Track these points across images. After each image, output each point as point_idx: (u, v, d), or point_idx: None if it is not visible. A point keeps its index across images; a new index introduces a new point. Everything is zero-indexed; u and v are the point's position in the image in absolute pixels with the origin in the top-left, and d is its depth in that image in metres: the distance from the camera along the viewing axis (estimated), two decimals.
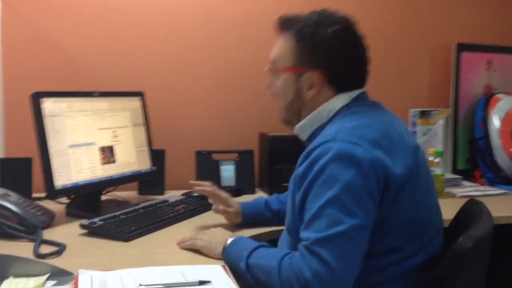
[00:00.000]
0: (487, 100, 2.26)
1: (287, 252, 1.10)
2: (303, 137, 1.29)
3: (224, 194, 1.53)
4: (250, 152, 2.09)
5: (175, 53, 2.11)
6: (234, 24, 2.16)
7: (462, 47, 2.29)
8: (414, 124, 2.30)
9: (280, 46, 1.25)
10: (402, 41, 2.33)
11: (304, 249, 1.01)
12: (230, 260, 1.18)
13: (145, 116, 1.88)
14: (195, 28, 2.12)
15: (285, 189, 1.96)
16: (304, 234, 1.04)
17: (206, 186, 1.53)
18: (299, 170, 1.11)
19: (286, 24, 1.24)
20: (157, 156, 1.92)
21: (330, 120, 1.20)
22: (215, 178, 2.01)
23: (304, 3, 2.10)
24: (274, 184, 2.00)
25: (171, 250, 1.31)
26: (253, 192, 2.06)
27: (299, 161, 1.14)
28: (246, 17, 2.17)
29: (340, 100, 1.20)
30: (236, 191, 2.00)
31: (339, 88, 1.20)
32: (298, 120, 1.26)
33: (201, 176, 2.01)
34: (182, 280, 1.02)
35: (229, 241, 1.22)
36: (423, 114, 2.30)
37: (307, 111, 1.23)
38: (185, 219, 1.61)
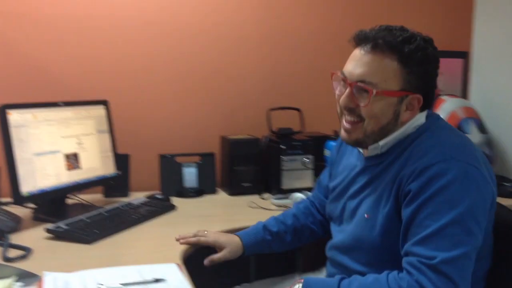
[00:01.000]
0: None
1: (386, 273, 1.09)
2: (377, 151, 1.25)
3: (211, 239, 1.48)
4: (211, 155, 2.20)
5: (138, 59, 2.18)
6: (195, 31, 2.24)
7: None
8: None
9: (381, 69, 1.16)
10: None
11: (426, 267, 1.01)
12: None
13: (110, 123, 1.96)
14: (157, 35, 2.20)
15: (245, 189, 2.11)
16: (420, 250, 1.04)
17: (188, 237, 1.49)
18: (412, 185, 1.09)
19: (386, 45, 1.16)
20: (121, 161, 2.01)
21: (418, 134, 1.21)
22: (178, 180, 2.12)
23: (264, 10, 2.26)
24: (235, 184, 2.13)
25: (132, 251, 1.41)
26: (214, 192, 2.17)
27: (408, 176, 1.12)
28: (206, 25, 2.26)
29: (422, 115, 1.23)
30: (198, 192, 2.12)
31: (425, 107, 1.23)
32: (381, 138, 1.23)
33: (164, 178, 2.11)
34: (139, 279, 1.13)
35: None
36: None
37: (395, 130, 1.22)
38: (147, 221, 1.71)
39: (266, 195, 2.09)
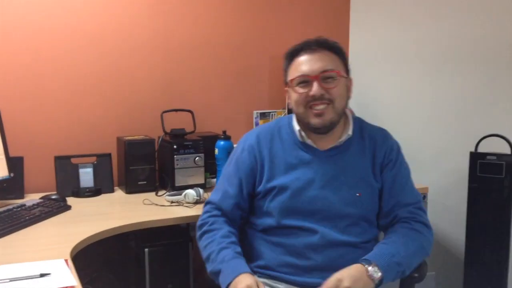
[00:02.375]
0: None
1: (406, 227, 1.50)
2: (341, 141, 1.54)
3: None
4: (108, 155, 2.29)
5: (31, 61, 2.22)
6: (91, 35, 2.32)
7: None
8: (257, 124, 2.66)
9: (331, 59, 1.50)
10: (247, 53, 2.66)
11: (417, 209, 1.52)
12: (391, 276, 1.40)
13: (1, 126, 1.99)
14: (50, 36, 2.25)
15: (141, 187, 2.23)
16: (409, 199, 1.54)
17: None
18: (390, 157, 1.56)
19: (323, 44, 1.50)
20: (15, 163, 2.05)
21: (358, 124, 1.60)
22: (74, 180, 2.19)
23: (157, 16, 2.38)
24: (131, 183, 2.24)
25: (23, 249, 1.49)
26: (112, 191, 2.27)
27: (384, 152, 1.56)
28: (102, 29, 2.34)
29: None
30: (94, 192, 2.21)
31: None
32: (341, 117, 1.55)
33: (60, 179, 2.18)
34: (26, 274, 1.23)
35: (376, 275, 1.35)
36: (264, 115, 2.67)
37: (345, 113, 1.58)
38: (41, 221, 1.78)
39: (161, 192, 2.22)
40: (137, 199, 2.12)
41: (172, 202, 2.07)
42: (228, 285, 1.35)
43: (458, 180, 2.35)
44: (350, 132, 1.54)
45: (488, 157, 2.10)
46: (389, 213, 1.53)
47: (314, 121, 1.48)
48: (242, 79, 2.67)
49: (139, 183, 2.25)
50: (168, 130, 2.32)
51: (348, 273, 1.33)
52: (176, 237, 2.11)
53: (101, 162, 2.26)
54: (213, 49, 2.58)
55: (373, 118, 2.84)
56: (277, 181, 1.53)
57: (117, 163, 2.34)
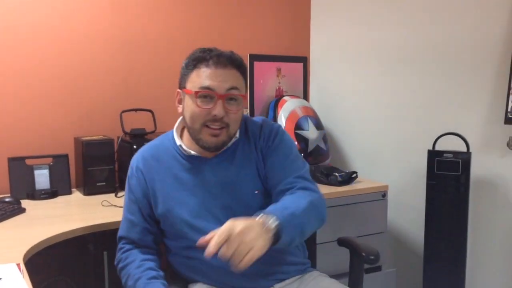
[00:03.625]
0: (277, 101, 2.68)
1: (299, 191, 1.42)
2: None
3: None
4: (65, 156, 2.23)
5: None
6: (48, 34, 2.26)
7: (254, 57, 2.69)
8: None
9: (239, 79, 1.44)
10: None
11: (302, 179, 1.45)
12: (288, 233, 1.24)
13: None
14: (5, 36, 2.18)
15: (100, 188, 2.17)
16: (293, 172, 1.46)
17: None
18: (269, 143, 1.50)
19: (234, 62, 1.43)
20: None
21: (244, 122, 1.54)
22: (29, 183, 2.12)
23: (117, 16, 2.33)
24: (89, 184, 2.18)
25: None
26: (69, 193, 2.21)
27: (262, 141, 1.50)
28: (60, 28, 2.28)
29: None
30: (51, 194, 2.14)
31: None
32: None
33: (14, 181, 2.10)
34: None
35: (272, 224, 1.20)
36: None
37: None
38: None
39: (121, 194, 2.17)
40: (96, 201, 2.07)
41: None
42: None
43: (416, 178, 2.39)
44: (237, 134, 1.49)
45: (445, 155, 2.14)
46: (275, 191, 1.46)
47: (208, 140, 1.42)
48: None
49: (98, 184, 2.20)
50: (127, 130, 2.27)
51: (240, 221, 1.18)
52: None
53: (58, 163, 2.20)
54: (173, 48, 2.55)
55: (333, 117, 2.90)
56: (173, 201, 1.47)
57: (75, 164, 2.28)
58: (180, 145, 1.50)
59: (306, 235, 1.37)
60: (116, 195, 2.16)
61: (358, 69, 2.71)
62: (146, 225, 1.52)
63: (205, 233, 1.19)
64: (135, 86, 2.46)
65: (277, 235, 1.20)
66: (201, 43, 2.59)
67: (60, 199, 2.15)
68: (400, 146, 2.52)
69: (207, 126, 1.41)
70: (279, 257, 1.48)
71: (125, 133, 2.27)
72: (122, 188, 2.21)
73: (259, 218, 1.21)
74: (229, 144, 1.48)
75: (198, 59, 1.43)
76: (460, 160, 2.10)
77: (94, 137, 2.26)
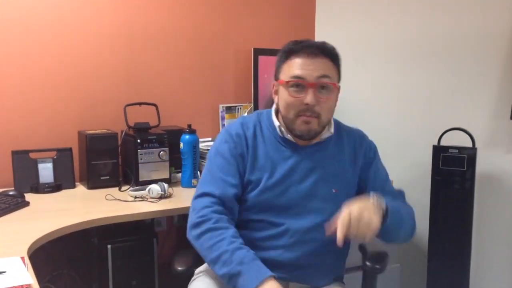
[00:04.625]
0: None
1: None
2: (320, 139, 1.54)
3: None
4: (69, 150, 2.22)
5: None
6: (51, 27, 2.24)
7: (258, 52, 2.67)
8: (223, 118, 2.64)
9: (330, 68, 1.47)
10: (212, 46, 2.62)
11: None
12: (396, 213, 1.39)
13: None
14: (7, 29, 2.17)
15: (103, 182, 2.17)
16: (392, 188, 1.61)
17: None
18: (371, 154, 1.60)
19: (325, 51, 1.46)
20: None
21: (337, 122, 1.61)
22: (33, 176, 2.12)
23: (121, 9, 2.32)
24: (93, 178, 2.18)
25: None
26: (73, 187, 2.20)
27: (364, 151, 1.58)
28: (64, 22, 2.26)
29: None
30: (55, 187, 2.14)
31: None
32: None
33: (18, 174, 2.10)
34: None
35: (382, 204, 1.36)
36: (230, 109, 2.64)
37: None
38: None
39: (124, 187, 2.17)
40: (100, 195, 2.07)
41: (135, 197, 2.03)
42: None
43: (421, 173, 2.38)
44: (332, 130, 1.54)
45: (450, 150, 2.13)
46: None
47: (301, 127, 1.46)
48: (208, 73, 2.63)
49: (102, 178, 2.19)
50: (131, 124, 2.27)
51: (355, 204, 1.30)
52: (140, 233, 2.07)
53: (62, 157, 2.19)
54: (178, 42, 2.54)
55: (337, 112, 2.87)
56: (256, 175, 1.49)
57: (79, 157, 2.27)
58: (279, 126, 1.52)
59: (401, 233, 1.47)
60: (120, 189, 2.16)
61: (363, 64, 2.69)
62: (239, 191, 1.48)
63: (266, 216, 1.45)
64: (139, 80, 2.45)
65: (385, 216, 1.34)
66: (204, 37, 2.61)
67: (64, 192, 2.15)
68: (405, 141, 2.51)
69: (300, 115, 1.45)
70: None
71: (129, 127, 2.27)
72: (126, 182, 2.22)
73: (371, 197, 1.35)
74: (323, 137, 1.52)
75: (290, 50, 1.47)
76: (466, 156, 2.09)
77: (98, 131, 2.25)
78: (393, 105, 2.56)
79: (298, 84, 1.43)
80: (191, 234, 1.41)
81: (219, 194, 1.44)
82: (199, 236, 1.38)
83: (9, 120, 2.20)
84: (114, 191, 2.13)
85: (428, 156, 2.20)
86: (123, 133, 2.27)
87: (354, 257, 1.70)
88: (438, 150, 2.16)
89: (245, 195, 1.49)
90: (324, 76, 1.44)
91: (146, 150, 2.17)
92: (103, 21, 2.35)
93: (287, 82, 1.45)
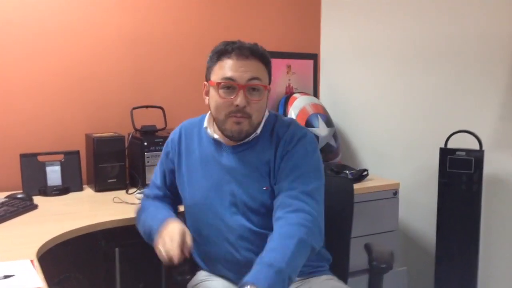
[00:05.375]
0: (287, 99, 2.67)
1: (282, 226, 1.36)
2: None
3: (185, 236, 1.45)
4: (76, 153, 2.23)
5: None
6: (58, 30, 2.26)
7: None
8: None
9: (261, 69, 1.47)
10: None
11: (304, 195, 1.42)
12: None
13: None
14: (15, 33, 2.18)
15: (111, 185, 2.18)
16: (298, 185, 1.44)
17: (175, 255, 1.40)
18: (289, 147, 1.48)
19: (256, 53, 1.46)
20: None
21: (273, 120, 1.55)
22: (41, 179, 2.13)
23: (127, 12, 2.33)
24: (100, 181, 2.19)
25: None
26: (80, 190, 2.22)
27: (282, 142, 1.49)
28: (71, 25, 2.28)
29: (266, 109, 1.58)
30: (62, 190, 2.15)
31: None
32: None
33: (26, 177, 2.11)
34: None
35: None
36: None
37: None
38: (6, 221, 1.72)
39: (132, 190, 2.18)
40: (107, 198, 2.08)
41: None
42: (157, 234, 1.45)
43: (428, 176, 2.37)
44: (258, 131, 1.51)
45: (457, 152, 2.12)
46: (276, 198, 1.46)
47: (232, 128, 1.46)
48: None
49: (109, 181, 2.20)
50: (138, 127, 2.28)
51: None
52: None
53: (69, 160, 2.21)
54: (183, 45, 2.55)
55: (343, 115, 2.88)
56: (192, 177, 1.56)
57: (86, 160, 2.29)
58: (206, 127, 1.57)
59: (297, 271, 1.31)
60: (127, 192, 2.16)
61: (369, 66, 2.69)
62: (165, 191, 1.67)
63: (211, 210, 1.50)
64: (145, 83, 2.47)
65: None
66: (210, 41, 2.58)
67: (72, 195, 2.16)
68: (412, 144, 2.50)
69: (230, 116, 1.45)
70: None
71: (136, 130, 2.28)
72: (133, 185, 2.23)
73: None
74: (250, 137, 1.50)
75: (221, 51, 1.47)
76: (473, 158, 2.08)
77: (105, 134, 2.26)
78: (400, 108, 2.56)
79: (229, 86, 1.44)
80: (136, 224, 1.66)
81: (146, 192, 1.72)
82: (137, 222, 1.65)
83: (17, 124, 2.22)
84: (121, 193, 2.14)
85: (435, 159, 2.19)
86: (130, 136, 2.28)
87: (359, 259, 1.69)
88: (445, 153, 2.15)
89: (183, 194, 1.61)
90: (255, 78, 1.44)
91: (153, 152, 2.18)
92: (110, 25, 2.36)
93: (218, 83, 1.45)
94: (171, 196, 1.67)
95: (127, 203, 2.00)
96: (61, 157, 2.20)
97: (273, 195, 1.48)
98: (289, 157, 1.47)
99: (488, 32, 2.13)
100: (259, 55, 1.47)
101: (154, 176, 1.70)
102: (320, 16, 2.93)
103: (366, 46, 2.70)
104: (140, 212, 1.66)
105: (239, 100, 1.42)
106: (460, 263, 2.13)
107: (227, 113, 1.45)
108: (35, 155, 2.15)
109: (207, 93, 1.53)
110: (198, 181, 1.55)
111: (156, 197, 1.67)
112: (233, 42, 1.47)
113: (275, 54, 2.68)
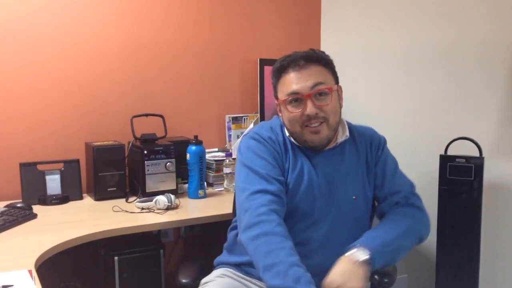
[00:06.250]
0: None
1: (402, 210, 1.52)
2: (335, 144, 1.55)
3: None
4: (76, 161, 2.23)
5: None
6: (59, 39, 2.27)
7: (264, 62, 2.68)
8: (229, 128, 2.64)
9: (320, 73, 1.47)
10: (218, 57, 2.64)
11: (412, 194, 1.58)
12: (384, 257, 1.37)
13: None
14: (15, 42, 2.19)
15: (111, 193, 2.18)
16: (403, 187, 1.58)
17: None
18: (379, 152, 1.58)
19: (310, 58, 1.47)
20: None
21: (348, 126, 1.58)
22: (41, 188, 2.13)
23: (128, 21, 2.34)
24: (100, 190, 2.18)
25: None
26: (80, 198, 2.21)
27: (372, 152, 1.57)
28: (71, 34, 2.29)
29: None
30: (62, 199, 2.15)
31: None
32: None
33: (26, 186, 2.11)
34: None
35: (362, 257, 1.32)
36: (236, 120, 2.65)
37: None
38: (5, 230, 1.72)
39: (131, 199, 2.18)
40: (107, 206, 2.07)
41: (142, 208, 2.03)
42: None
43: (428, 183, 2.37)
44: (347, 133, 1.55)
45: (457, 159, 2.12)
46: (385, 203, 1.56)
47: (311, 138, 1.47)
48: (214, 84, 2.64)
49: (109, 189, 2.20)
50: (138, 135, 2.28)
51: (334, 273, 1.30)
52: (147, 245, 2.07)
53: (69, 169, 2.20)
54: (184, 54, 2.55)
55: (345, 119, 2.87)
56: (289, 178, 1.49)
57: (86, 169, 2.28)
58: (289, 136, 1.52)
59: (401, 256, 1.44)
60: (127, 200, 2.16)
61: (369, 73, 2.69)
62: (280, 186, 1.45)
63: (303, 211, 1.46)
64: (145, 92, 2.47)
65: (370, 265, 1.32)
66: (210, 49, 2.62)
67: (71, 204, 2.16)
68: (412, 151, 2.50)
69: (306, 126, 1.46)
70: None
71: (136, 138, 2.28)
72: (133, 193, 2.23)
73: (349, 254, 1.33)
74: (339, 141, 1.53)
75: (279, 69, 1.49)
76: (473, 165, 2.08)
77: (105, 142, 2.26)
78: (400, 114, 2.55)
79: (295, 99, 1.45)
80: (246, 234, 1.32)
81: (274, 190, 1.40)
82: (256, 237, 1.29)
83: (17, 132, 2.22)
84: (121, 202, 2.13)
85: (435, 166, 2.19)
86: (130, 145, 2.28)
87: None
88: (445, 160, 2.15)
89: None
90: (317, 84, 1.44)
91: (153, 161, 2.18)
92: (110, 34, 2.37)
93: (284, 100, 1.47)
94: (282, 193, 1.45)
95: (126, 211, 1.99)
96: (61, 165, 2.20)
97: (365, 203, 1.54)
98: (384, 162, 1.57)
99: (488, 39, 2.13)
100: (315, 60, 1.47)
101: (260, 167, 1.44)
102: (320, 21, 2.94)
103: (366, 52, 2.70)
104: (266, 236, 1.29)
105: (309, 109, 1.43)
106: (461, 270, 2.12)
107: (301, 124, 1.46)
108: (34, 164, 2.15)
109: (280, 111, 1.54)
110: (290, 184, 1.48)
111: (282, 204, 1.42)
112: (288, 56, 1.49)
113: (272, 61, 2.68)
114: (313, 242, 1.48)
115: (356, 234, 1.46)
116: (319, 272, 1.33)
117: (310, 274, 1.25)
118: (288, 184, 1.47)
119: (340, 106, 1.54)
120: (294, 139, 1.52)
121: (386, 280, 1.57)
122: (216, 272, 1.58)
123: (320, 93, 1.45)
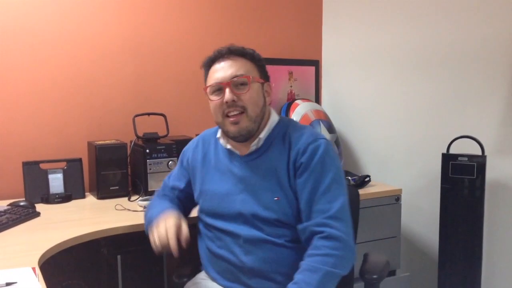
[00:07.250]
0: (289, 105, 2.68)
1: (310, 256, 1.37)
2: (256, 147, 1.52)
3: (180, 226, 1.49)
4: (79, 160, 2.24)
5: None
6: (61, 38, 2.28)
7: (267, 61, 2.66)
8: None
9: (243, 65, 1.49)
10: None
11: (328, 218, 1.39)
12: None
13: None
14: (17, 41, 2.20)
15: (113, 192, 2.18)
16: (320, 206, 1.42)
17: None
18: (302, 159, 1.44)
19: (236, 52, 1.51)
20: None
21: (284, 126, 1.54)
22: (44, 187, 2.14)
23: (129, 21, 2.34)
24: (102, 188, 2.19)
25: None
26: (83, 197, 2.22)
27: (295, 155, 1.46)
28: (73, 33, 2.30)
29: (275, 114, 1.59)
30: (65, 197, 2.16)
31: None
32: (260, 124, 1.51)
33: (29, 185, 2.12)
34: None
35: None
36: None
37: (264, 119, 1.54)
38: (8, 228, 1.72)
39: (134, 197, 2.18)
40: (109, 205, 2.08)
41: (145, 207, 2.02)
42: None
43: (430, 181, 2.37)
44: (261, 136, 1.51)
45: (459, 158, 2.12)
46: (304, 227, 1.43)
47: (231, 129, 1.48)
48: None
49: (111, 188, 2.21)
50: (140, 134, 2.28)
51: None
52: (149, 243, 2.05)
53: (72, 167, 2.21)
54: (185, 53, 2.55)
55: (345, 121, 2.88)
56: (206, 186, 1.58)
57: (88, 168, 2.29)
58: (218, 138, 1.59)
59: None
60: (129, 199, 2.17)
61: (371, 72, 2.69)
62: (176, 194, 1.69)
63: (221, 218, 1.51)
64: (147, 91, 2.48)
65: None
66: (212, 48, 2.59)
67: (74, 203, 2.16)
68: (414, 150, 2.50)
69: (227, 116, 1.48)
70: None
71: (138, 137, 2.28)
72: (135, 192, 2.24)
73: None
74: (259, 144, 1.51)
75: (207, 62, 1.55)
76: (475, 164, 2.08)
77: (107, 141, 2.27)
78: (402, 114, 2.56)
79: (217, 88, 1.49)
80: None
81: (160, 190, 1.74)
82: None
83: (20, 132, 2.23)
84: (123, 201, 2.14)
85: (437, 164, 2.19)
86: (132, 143, 2.28)
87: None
88: (447, 158, 2.15)
89: (199, 204, 1.63)
90: (237, 75, 1.47)
91: (155, 160, 2.19)
92: (112, 33, 2.38)
93: (205, 88, 1.53)
94: (180, 201, 1.68)
95: (129, 210, 2.00)
96: (63, 164, 2.20)
97: (289, 203, 1.46)
98: (307, 173, 1.43)
99: (489, 38, 2.13)
100: (241, 53, 1.51)
101: (167, 178, 1.74)
102: (321, 22, 2.94)
103: (367, 53, 2.70)
104: (146, 209, 1.70)
105: (226, 96, 1.45)
106: (463, 268, 2.12)
107: (222, 113, 1.48)
108: (37, 163, 2.15)
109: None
110: (211, 190, 1.57)
111: (165, 196, 1.70)
112: (217, 50, 1.53)
113: (277, 60, 2.70)
114: (243, 242, 1.50)
115: (281, 233, 1.46)
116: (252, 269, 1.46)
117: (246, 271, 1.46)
118: (197, 189, 1.62)
119: (265, 102, 1.53)
120: (222, 130, 1.55)
121: (375, 276, 1.57)
122: (201, 275, 1.63)
123: (239, 83, 1.47)
